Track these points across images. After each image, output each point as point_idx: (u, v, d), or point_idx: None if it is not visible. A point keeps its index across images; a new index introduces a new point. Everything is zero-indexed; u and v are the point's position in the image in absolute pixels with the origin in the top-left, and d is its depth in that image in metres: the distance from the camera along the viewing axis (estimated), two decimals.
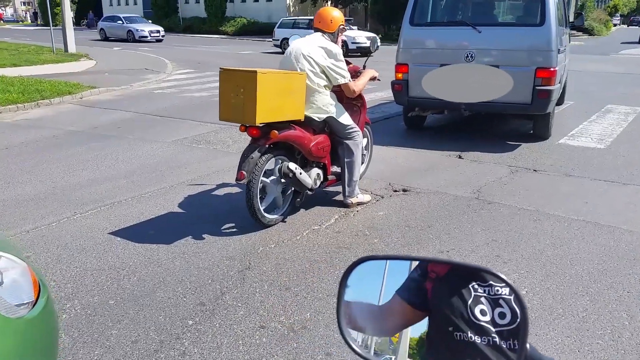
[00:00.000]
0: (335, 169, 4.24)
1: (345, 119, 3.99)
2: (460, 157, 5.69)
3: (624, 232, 3.65)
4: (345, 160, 4.07)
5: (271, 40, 23.97)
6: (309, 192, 3.92)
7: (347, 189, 4.12)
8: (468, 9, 7.16)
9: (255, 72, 3.21)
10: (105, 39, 29.63)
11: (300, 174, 3.67)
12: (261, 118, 3.31)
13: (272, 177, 3.70)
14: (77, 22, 50.27)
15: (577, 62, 16.32)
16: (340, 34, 3.96)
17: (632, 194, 4.48)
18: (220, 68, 3.46)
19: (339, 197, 4.24)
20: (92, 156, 5.78)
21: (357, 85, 3.95)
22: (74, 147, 6.21)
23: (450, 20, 6.60)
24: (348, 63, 4.30)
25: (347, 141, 4.04)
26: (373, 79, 4.17)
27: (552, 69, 5.87)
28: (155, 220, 3.93)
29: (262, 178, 3.58)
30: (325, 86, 3.83)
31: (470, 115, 7.22)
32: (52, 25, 17.68)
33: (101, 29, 30.60)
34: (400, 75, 6.59)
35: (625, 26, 48.03)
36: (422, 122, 7.31)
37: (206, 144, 6.33)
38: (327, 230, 3.73)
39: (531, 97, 5.93)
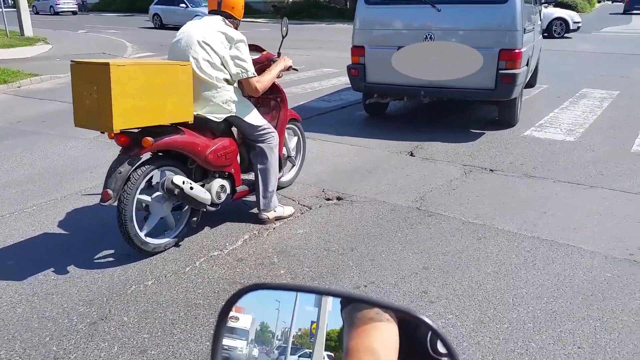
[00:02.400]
0: (250, 177, 3.57)
1: (254, 117, 3.29)
2: (412, 154, 5.03)
3: (584, 253, 3.03)
4: (258, 167, 3.40)
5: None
6: (212, 209, 3.23)
7: (261, 201, 3.45)
8: None
9: (107, 64, 2.47)
10: (161, 26, 23.29)
11: (191, 188, 2.97)
12: (121, 123, 2.57)
13: (157, 194, 3.00)
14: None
15: (554, 41, 15.67)
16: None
17: (599, 199, 3.85)
18: (72, 61, 2.71)
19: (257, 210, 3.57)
20: None
21: (262, 81, 3.22)
22: None
23: None
24: (260, 49, 3.61)
25: (259, 144, 3.36)
26: (288, 69, 3.46)
27: (517, 51, 5.25)
28: (23, 244, 3.23)
29: (139, 196, 2.89)
30: (225, 80, 3.12)
31: (436, 101, 6.58)
32: (7, 6, 16.56)
33: (155, 14, 23.90)
34: (356, 58, 5.95)
35: (610, 2, 47.16)
36: (384, 109, 6.68)
37: None
38: (228, 258, 3.06)
39: (494, 82, 5.34)
